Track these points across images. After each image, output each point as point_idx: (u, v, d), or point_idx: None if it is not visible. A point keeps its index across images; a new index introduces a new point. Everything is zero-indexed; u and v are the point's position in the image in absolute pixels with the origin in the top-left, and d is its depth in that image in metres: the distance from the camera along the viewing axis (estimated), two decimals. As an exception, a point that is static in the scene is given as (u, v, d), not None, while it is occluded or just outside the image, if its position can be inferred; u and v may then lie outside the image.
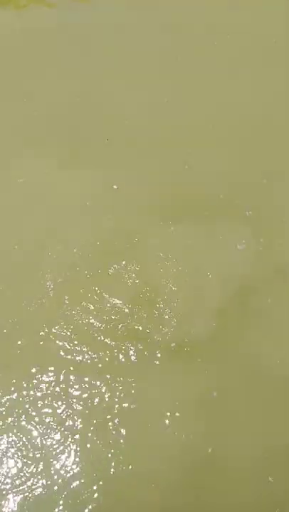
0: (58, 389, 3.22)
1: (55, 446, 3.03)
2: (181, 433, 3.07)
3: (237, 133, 4.43)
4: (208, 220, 3.97)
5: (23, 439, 3.05)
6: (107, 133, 4.43)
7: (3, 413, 3.13)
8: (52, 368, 3.31)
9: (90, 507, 2.85)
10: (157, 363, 3.34)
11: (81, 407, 3.17)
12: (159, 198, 4.09)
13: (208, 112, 4.57)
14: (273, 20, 5.17)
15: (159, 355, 3.35)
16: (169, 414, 3.13)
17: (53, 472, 2.95)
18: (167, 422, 3.11)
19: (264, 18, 5.19)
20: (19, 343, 3.41)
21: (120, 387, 3.25)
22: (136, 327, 3.49)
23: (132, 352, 3.39)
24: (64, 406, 3.17)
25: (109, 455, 3.01)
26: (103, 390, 3.24)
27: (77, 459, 2.99)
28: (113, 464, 2.98)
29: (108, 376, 3.29)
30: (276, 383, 3.26)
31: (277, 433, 3.10)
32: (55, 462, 2.98)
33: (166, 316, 3.53)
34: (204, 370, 3.31)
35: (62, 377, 3.28)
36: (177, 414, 3.11)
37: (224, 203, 4.05)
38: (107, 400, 3.21)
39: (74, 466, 2.97)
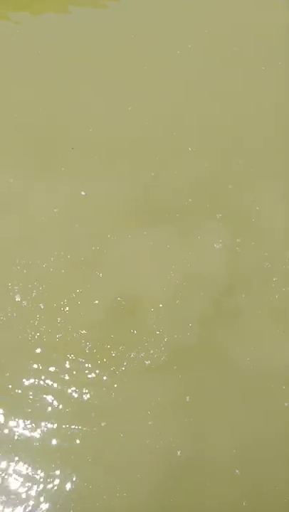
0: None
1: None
2: (155, 437, 3.02)
3: (202, 139, 4.45)
4: (180, 223, 3.93)
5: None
6: (71, 142, 4.37)
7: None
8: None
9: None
10: (137, 370, 3.26)
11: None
12: (128, 203, 4.02)
13: (173, 119, 4.57)
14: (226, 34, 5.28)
15: (144, 362, 3.30)
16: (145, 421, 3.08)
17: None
18: (150, 423, 3.05)
19: (223, 28, 5.29)
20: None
21: (98, 395, 3.16)
22: (112, 336, 3.39)
23: (109, 361, 3.30)
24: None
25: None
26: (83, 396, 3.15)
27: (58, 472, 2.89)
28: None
29: (84, 384, 3.21)
30: (250, 384, 3.24)
31: (245, 429, 3.10)
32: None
33: (144, 324, 3.45)
34: (180, 375, 3.26)
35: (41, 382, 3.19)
36: (150, 422, 3.07)
37: (194, 206, 4.03)
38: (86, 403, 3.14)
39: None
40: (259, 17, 5.25)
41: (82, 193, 4.01)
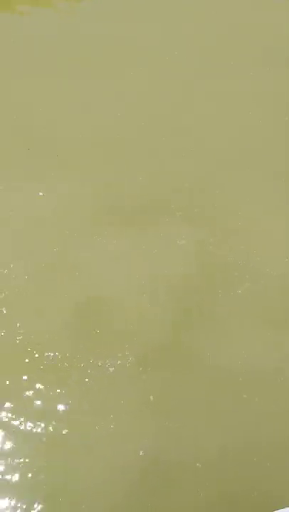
0: None
1: None
2: (117, 440, 2.95)
3: (165, 139, 4.42)
4: (142, 222, 3.87)
5: None
6: (27, 142, 4.28)
7: None
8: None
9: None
10: (101, 375, 3.18)
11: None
12: (89, 203, 3.95)
13: (131, 117, 4.53)
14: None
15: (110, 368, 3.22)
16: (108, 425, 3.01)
17: None
18: (112, 426, 2.99)
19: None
20: None
21: (60, 401, 3.07)
22: (76, 341, 3.29)
23: (71, 367, 3.20)
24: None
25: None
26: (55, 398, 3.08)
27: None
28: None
29: (44, 391, 3.11)
30: (212, 380, 3.18)
31: (208, 424, 3.06)
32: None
33: (110, 327, 3.36)
34: (144, 376, 3.18)
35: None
36: (112, 426, 2.99)
37: (154, 205, 3.99)
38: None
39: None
40: (259, 18, 5.32)
41: (40, 194, 3.92)
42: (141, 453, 2.91)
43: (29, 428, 2.97)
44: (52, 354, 3.23)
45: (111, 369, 3.19)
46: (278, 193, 4.03)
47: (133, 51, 4.98)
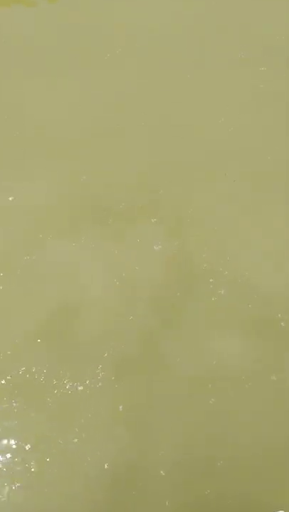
0: None
1: None
2: (81, 454, 2.85)
3: (135, 143, 4.34)
4: (115, 226, 3.78)
5: None
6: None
7: None
8: None
9: None
10: (68, 391, 3.08)
11: None
12: (58, 208, 3.86)
13: (106, 120, 4.46)
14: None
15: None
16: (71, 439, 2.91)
17: None
18: (75, 440, 2.88)
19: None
20: None
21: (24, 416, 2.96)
22: (49, 354, 3.20)
23: (40, 381, 3.09)
24: None
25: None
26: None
27: None
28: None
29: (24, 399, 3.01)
30: (182, 387, 3.10)
31: (175, 432, 2.97)
32: None
33: (83, 336, 3.26)
34: (116, 385, 3.08)
35: None
36: (76, 440, 2.89)
37: (128, 209, 3.90)
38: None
39: None
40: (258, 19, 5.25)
41: (10, 199, 3.81)
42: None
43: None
44: (22, 366, 3.13)
45: (82, 381, 3.09)
46: (259, 200, 3.95)
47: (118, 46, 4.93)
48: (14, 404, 2.98)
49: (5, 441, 2.86)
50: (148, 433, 2.95)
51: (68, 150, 4.20)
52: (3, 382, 3.06)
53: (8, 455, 2.83)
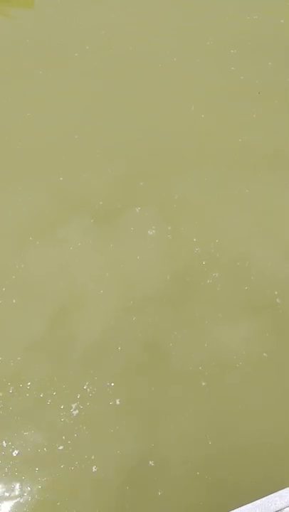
0: None
1: None
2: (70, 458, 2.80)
3: (110, 140, 4.29)
4: (104, 220, 3.73)
5: None
6: None
7: None
8: None
9: None
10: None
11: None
12: (47, 205, 3.79)
13: (80, 122, 4.39)
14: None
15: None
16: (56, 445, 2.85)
17: None
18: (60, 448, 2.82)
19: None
20: None
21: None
22: (54, 349, 3.12)
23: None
24: None
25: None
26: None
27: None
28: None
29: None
30: (178, 383, 3.08)
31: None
32: None
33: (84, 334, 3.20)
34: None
35: None
36: (60, 447, 2.83)
37: (113, 202, 3.82)
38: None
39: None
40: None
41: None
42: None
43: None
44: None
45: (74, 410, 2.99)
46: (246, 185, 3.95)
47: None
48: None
49: None
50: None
51: (41, 153, 4.09)
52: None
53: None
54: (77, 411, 2.90)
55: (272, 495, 2.27)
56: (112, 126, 4.30)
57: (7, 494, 2.67)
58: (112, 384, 2.99)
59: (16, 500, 2.66)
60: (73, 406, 2.91)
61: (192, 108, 4.37)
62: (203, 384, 3.05)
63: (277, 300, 3.39)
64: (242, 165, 3.99)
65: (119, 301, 3.35)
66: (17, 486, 2.70)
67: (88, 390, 2.97)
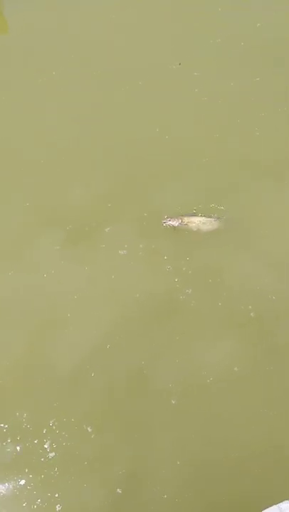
0: None
1: None
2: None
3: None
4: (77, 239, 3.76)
5: None
6: None
7: None
8: None
9: None
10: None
11: None
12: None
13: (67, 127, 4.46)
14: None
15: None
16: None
17: None
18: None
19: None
20: None
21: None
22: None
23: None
24: None
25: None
26: None
27: None
28: None
29: None
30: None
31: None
32: None
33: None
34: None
35: None
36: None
37: (81, 224, 3.83)
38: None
39: None
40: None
41: None
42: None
43: None
44: None
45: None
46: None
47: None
48: None
49: None
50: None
51: (10, 176, 4.11)
52: None
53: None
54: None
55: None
56: (82, 147, 4.36)
57: None
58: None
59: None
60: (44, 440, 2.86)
61: (157, 130, 4.44)
62: (173, 402, 3.01)
63: (252, 314, 3.38)
64: (207, 181, 4.04)
65: (93, 326, 3.33)
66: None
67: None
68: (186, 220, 3.70)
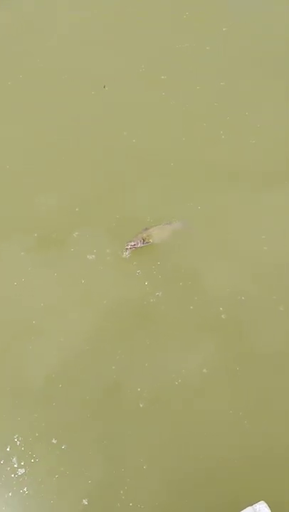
0: None
1: None
2: None
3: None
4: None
5: None
6: None
7: None
8: None
9: None
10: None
11: None
12: None
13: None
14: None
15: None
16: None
17: None
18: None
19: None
20: None
21: None
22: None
23: None
24: None
25: None
26: None
27: None
28: None
29: None
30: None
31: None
32: None
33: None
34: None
35: None
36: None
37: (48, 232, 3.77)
38: None
39: None
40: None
41: None
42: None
43: None
44: None
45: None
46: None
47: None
48: None
49: None
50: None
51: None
52: None
53: None
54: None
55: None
56: (38, 155, 4.30)
57: None
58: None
59: None
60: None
61: (124, 133, 4.42)
62: (141, 405, 2.97)
63: (223, 316, 3.38)
64: (175, 185, 4.04)
65: (62, 332, 3.28)
66: None
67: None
68: (145, 235, 3.64)
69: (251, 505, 2.38)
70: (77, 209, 3.88)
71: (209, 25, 5.47)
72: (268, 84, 4.81)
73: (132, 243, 3.58)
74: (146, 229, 3.67)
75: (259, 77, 4.89)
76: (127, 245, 3.57)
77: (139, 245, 3.59)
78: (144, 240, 3.61)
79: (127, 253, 3.57)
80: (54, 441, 2.84)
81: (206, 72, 4.98)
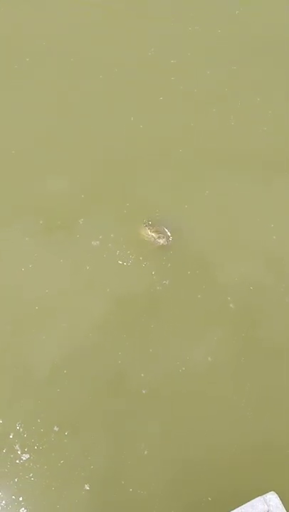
0: None
1: None
2: None
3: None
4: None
5: None
6: None
7: None
8: None
9: None
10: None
11: None
12: None
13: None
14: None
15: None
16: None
17: None
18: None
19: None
20: None
21: None
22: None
23: None
24: None
25: None
26: None
27: None
28: None
29: None
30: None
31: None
32: None
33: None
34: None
35: None
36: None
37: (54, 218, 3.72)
38: None
39: None
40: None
41: None
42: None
43: None
44: None
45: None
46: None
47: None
48: None
49: None
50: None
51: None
52: None
53: None
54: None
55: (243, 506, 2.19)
56: (46, 140, 4.21)
57: None
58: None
59: None
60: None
61: (132, 119, 4.33)
62: (144, 392, 2.95)
63: (231, 305, 3.33)
64: (186, 173, 3.97)
65: (69, 322, 3.23)
66: None
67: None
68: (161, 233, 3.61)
69: (262, 495, 2.33)
70: (82, 196, 3.82)
71: (221, 7, 5.33)
72: (280, 70, 4.71)
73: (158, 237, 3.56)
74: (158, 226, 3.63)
75: (271, 62, 4.78)
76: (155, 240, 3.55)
77: (163, 241, 3.55)
78: (168, 239, 3.58)
79: (163, 240, 3.55)
80: (56, 428, 2.81)
81: (217, 56, 4.87)
